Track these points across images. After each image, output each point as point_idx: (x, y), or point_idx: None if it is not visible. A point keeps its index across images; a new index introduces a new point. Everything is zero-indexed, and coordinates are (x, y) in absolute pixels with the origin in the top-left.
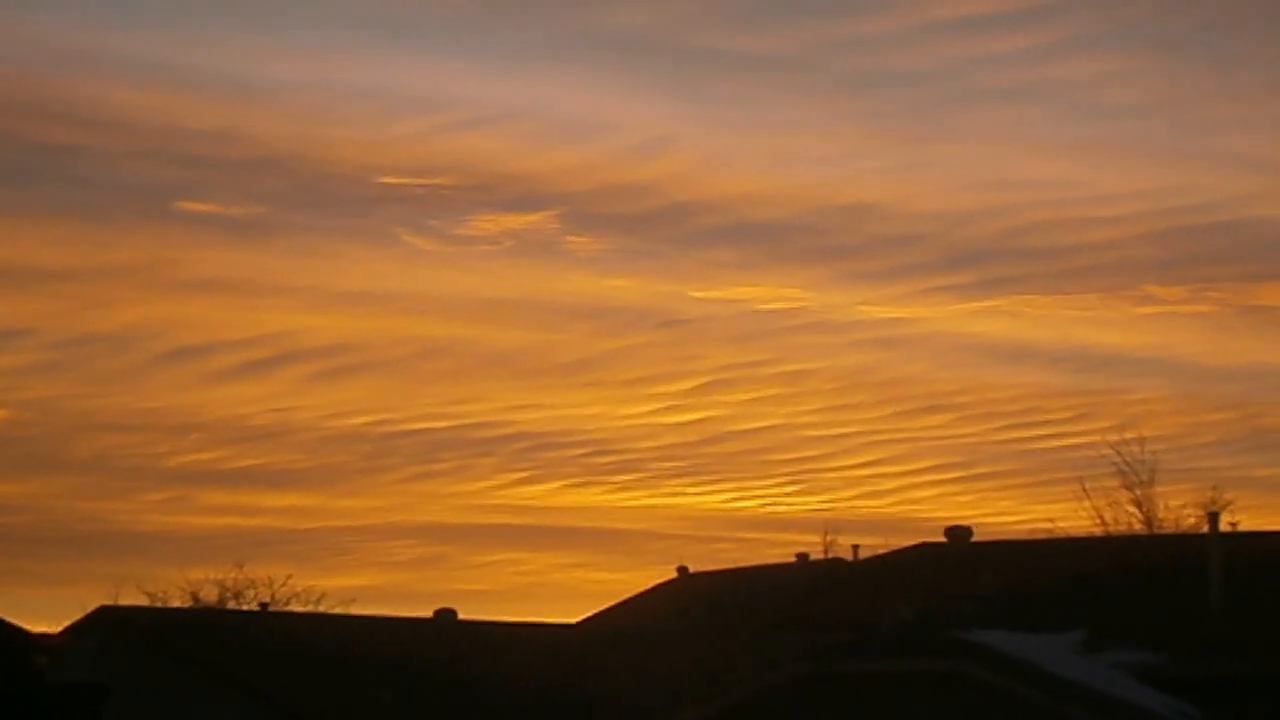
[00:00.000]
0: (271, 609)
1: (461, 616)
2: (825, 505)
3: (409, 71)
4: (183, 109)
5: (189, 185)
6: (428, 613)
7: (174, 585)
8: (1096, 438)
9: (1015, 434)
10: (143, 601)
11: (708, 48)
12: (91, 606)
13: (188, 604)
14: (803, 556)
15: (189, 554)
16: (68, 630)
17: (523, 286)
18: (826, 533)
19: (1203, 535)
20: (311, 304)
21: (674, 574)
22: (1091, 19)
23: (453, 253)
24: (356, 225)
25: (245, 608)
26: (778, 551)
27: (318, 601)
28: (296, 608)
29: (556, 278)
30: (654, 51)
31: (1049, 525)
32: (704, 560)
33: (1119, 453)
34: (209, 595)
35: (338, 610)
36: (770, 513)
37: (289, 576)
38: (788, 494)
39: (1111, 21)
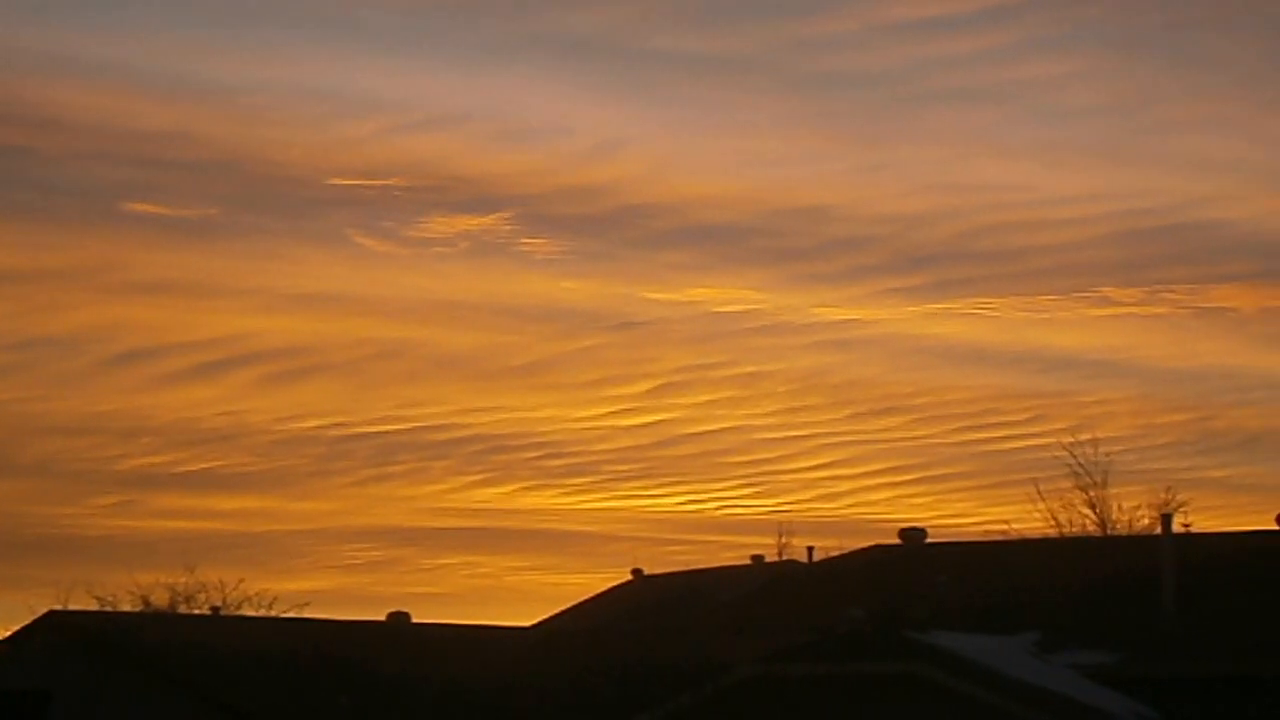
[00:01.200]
0: (223, 613)
1: (415, 620)
2: (781, 507)
3: (361, 72)
4: (132, 110)
5: (138, 186)
6: (381, 616)
7: (124, 589)
8: (1052, 439)
9: (971, 436)
10: (92, 606)
11: (663, 49)
12: (40, 611)
13: (138, 608)
14: (757, 559)
15: (139, 558)
16: (14, 635)
17: (477, 288)
18: (781, 535)
19: (1156, 537)
20: (263, 306)
21: (628, 577)
22: (1048, 21)
23: (406, 254)
24: (308, 227)
25: (197, 612)
26: (733, 554)
27: (270, 605)
28: (249, 611)
29: (511, 280)
30: (609, 53)
31: (1004, 527)
32: (659, 563)
33: (1073, 454)
34: (160, 599)
35: (291, 614)
36: (725, 515)
37: (241, 580)
38: (743, 496)
39: (1068, 24)
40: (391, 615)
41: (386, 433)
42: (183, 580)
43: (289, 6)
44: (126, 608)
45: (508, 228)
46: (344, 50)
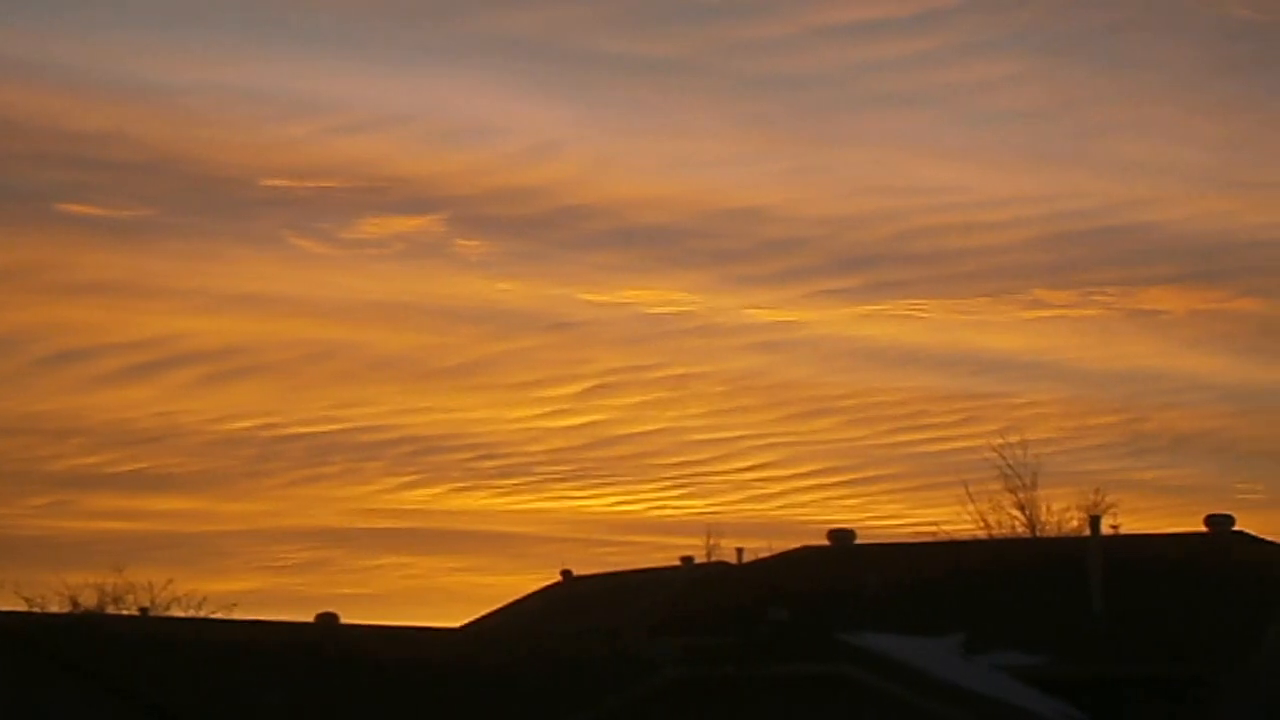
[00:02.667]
0: (152, 614)
1: (344, 620)
2: (712, 508)
3: (297, 74)
4: (67, 111)
5: (73, 187)
6: (310, 617)
7: (52, 590)
8: (982, 441)
9: (902, 437)
10: (20, 607)
11: (599, 51)
12: None
13: (66, 609)
14: (687, 560)
15: (70, 559)
16: None
17: (411, 289)
18: (709, 536)
19: (1085, 538)
20: (197, 307)
21: (558, 578)
22: (982, 24)
23: (340, 255)
24: (243, 228)
25: (125, 613)
26: (663, 555)
27: (199, 606)
28: (177, 612)
29: (445, 281)
30: (545, 55)
31: (933, 528)
32: (589, 564)
33: (1003, 456)
34: (88, 600)
35: (219, 615)
36: (656, 516)
37: (170, 581)
38: (674, 497)
39: (1001, 27)
40: (320, 616)
41: (319, 433)
42: (111, 581)
43: (225, 8)
44: (55, 609)
45: (442, 229)
46: (280, 52)
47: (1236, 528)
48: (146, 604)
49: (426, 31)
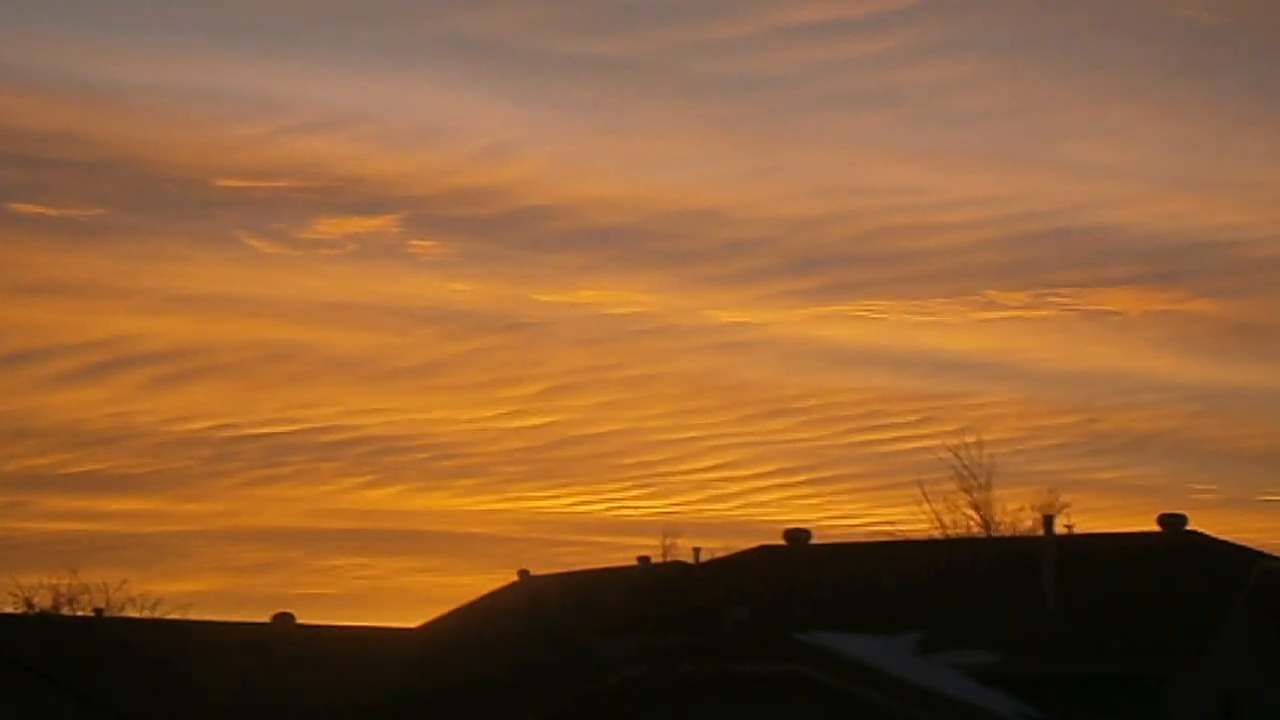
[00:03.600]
0: (107, 615)
1: (301, 621)
2: (670, 509)
3: (251, 73)
4: (19, 110)
5: (25, 187)
6: (266, 618)
7: (6, 592)
8: (939, 441)
9: (859, 438)
10: None
11: (556, 52)
12: None
13: (20, 610)
14: (644, 559)
15: (24, 560)
16: None
17: (366, 290)
18: (666, 536)
19: (1039, 538)
20: (151, 307)
21: (515, 578)
22: (939, 26)
23: (295, 256)
24: (197, 228)
25: (80, 614)
26: (621, 555)
27: (154, 607)
28: (132, 613)
29: (401, 281)
30: (502, 55)
31: (889, 528)
32: (547, 564)
33: (958, 456)
34: (43, 601)
35: (174, 615)
36: (614, 516)
37: (124, 582)
38: (633, 497)
39: (958, 29)
40: (276, 617)
41: (275, 434)
42: (66, 582)
43: (179, 7)
44: (9, 610)
45: (398, 229)
46: (235, 52)
47: (1190, 527)
48: (101, 605)
49: (383, 32)
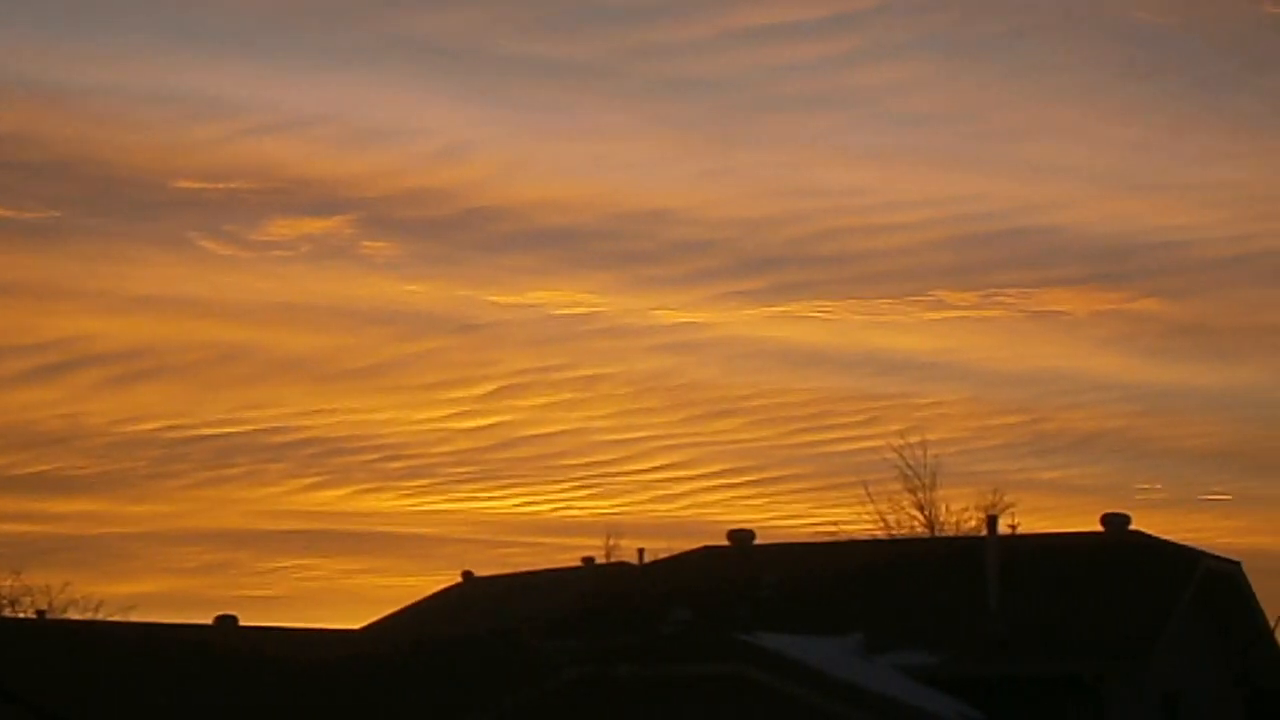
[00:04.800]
0: (49, 616)
1: (245, 623)
2: (617, 509)
3: (206, 75)
4: None
5: None
6: (210, 619)
7: None
8: (886, 441)
9: (806, 438)
10: None
11: (508, 54)
12: None
13: None
14: (588, 560)
15: None
16: None
17: (318, 291)
18: (609, 536)
19: (982, 537)
20: (104, 308)
21: (459, 579)
22: (889, 28)
23: (248, 257)
24: (151, 229)
25: (22, 615)
26: (567, 556)
27: (96, 609)
28: (75, 615)
29: (352, 282)
30: (455, 56)
31: (834, 528)
32: (493, 565)
33: (902, 456)
34: None
35: (116, 618)
36: (561, 517)
37: (67, 584)
38: (579, 498)
39: (909, 31)
40: (219, 619)
41: (224, 435)
42: (9, 584)
43: (133, 8)
44: None
45: (350, 231)
46: (189, 53)
47: (1134, 527)
48: (44, 607)
49: (335, 33)
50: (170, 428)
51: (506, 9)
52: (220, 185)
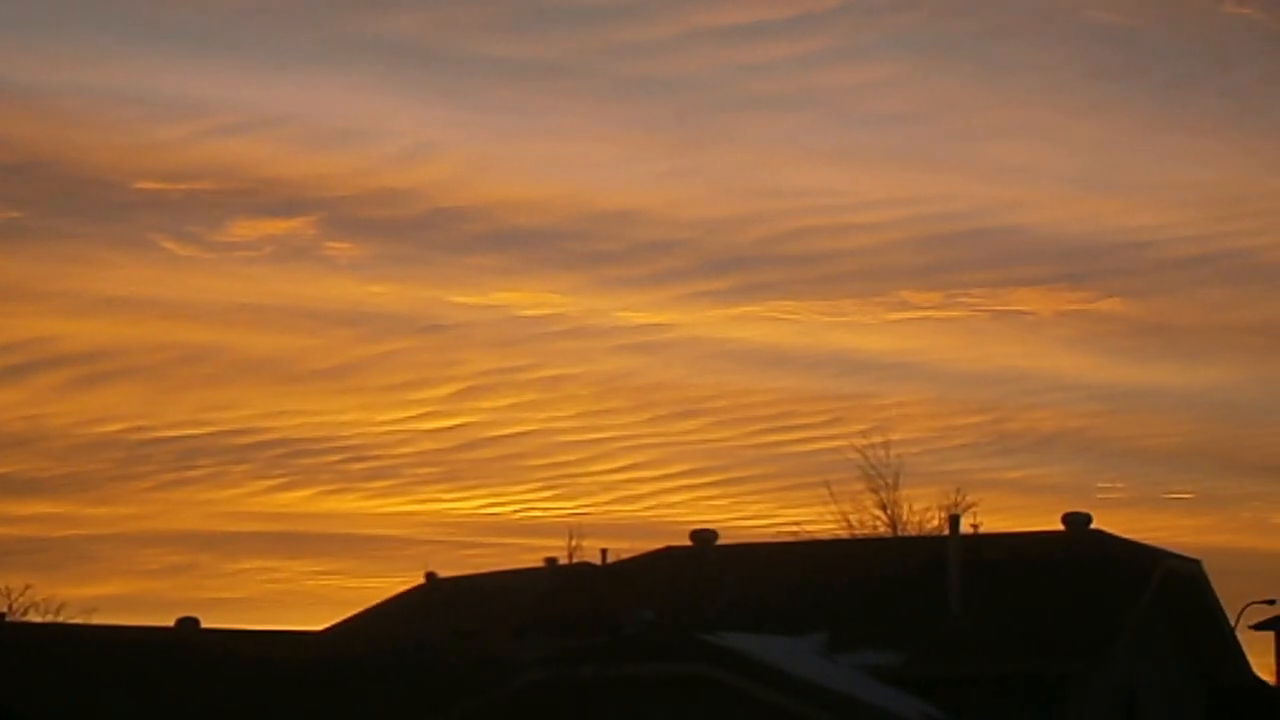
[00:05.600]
0: (9, 619)
1: (207, 625)
2: (581, 510)
3: (168, 76)
4: None
5: None
6: (172, 622)
7: None
8: (849, 441)
9: (769, 438)
10: None
11: (473, 54)
12: None
13: None
14: (551, 561)
15: None
16: None
17: (281, 292)
18: (572, 537)
19: (944, 537)
20: (67, 310)
21: (423, 580)
22: (856, 29)
23: (211, 258)
24: (114, 230)
25: None
26: (531, 556)
27: (57, 611)
28: (35, 618)
29: (316, 283)
30: (420, 57)
31: (796, 528)
32: (456, 566)
33: (865, 456)
34: None
35: (78, 620)
36: (525, 518)
37: (27, 586)
38: (543, 499)
39: (875, 31)
40: (180, 621)
41: (188, 436)
42: None
43: (95, 9)
44: None
45: (314, 231)
46: (151, 54)
47: (1095, 526)
48: (3, 610)
49: (299, 33)
50: (133, 429)
51: (471, 9)
52: (182, 186)
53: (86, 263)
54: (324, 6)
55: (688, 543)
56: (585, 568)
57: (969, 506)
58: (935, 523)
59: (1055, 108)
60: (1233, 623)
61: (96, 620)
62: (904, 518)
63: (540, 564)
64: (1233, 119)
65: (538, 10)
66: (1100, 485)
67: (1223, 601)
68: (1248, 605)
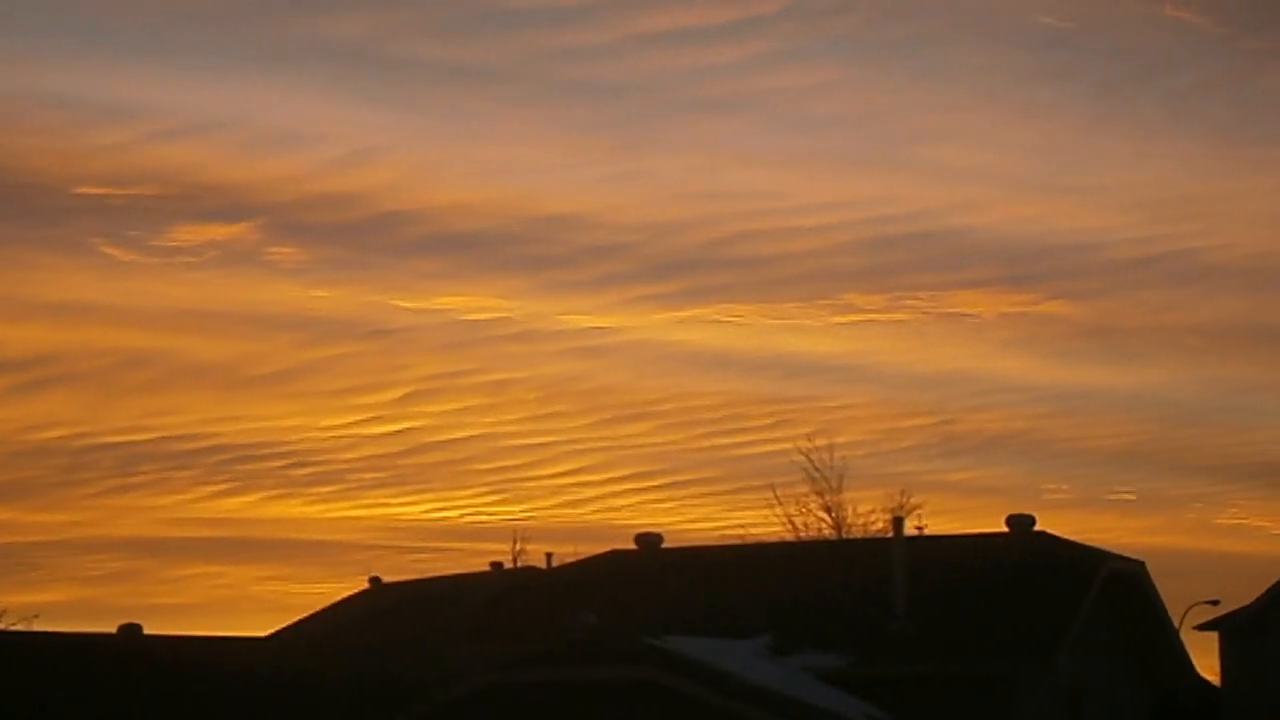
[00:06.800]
0: None
1: (150, 631)
2: (527, 514)
3: (109, 80)
4: None
5: None
6: (115, 628)
7: None
8: (794, 444)
9: (715, 441)
10: None
11: (417, 58)
12: None
13: None
14: (496, 565)
15: None
16: None
17: (225, 297)
18: (516, 541)
19: (889, 539)
20: (6, 315)
21: (366, 585)
22: (798, 32)
23: (153, 264)
24: (55, 236)
25: None
26: (476, 561)
27: None
28: None
29: (259, 288)
30: (362, 61)
31: (742, 531)
32: (401, 571)
33: (809, 459)
34: None
35: (19, 627)
36: (471, 522)
37: None
38: (489, 503)
39: (817, 35)
40: (122, 627)
41: (131, 442)
42: None
43: (34, 12)
44: None
45: (256, 236)
46: (92, 58)
47: (1040, 528)
48: None
49: (241, 37)
50: (75, 435)
51: (412, 13)
52: (123, 191)
53: (27, 268)
54: (265, 11)
55: (633, 546)
56: (531, 572)
57: (914, 509)
58: (880, 525)
59: (997, 111)
60: (1177, 623)
61: (39, 627)
62: (849, 520)
63: (486, 568)
64: (1173, 122)
65: (480, 14)
66: (1046, 487)
67: (1167, 602)
68: (1192, 606)
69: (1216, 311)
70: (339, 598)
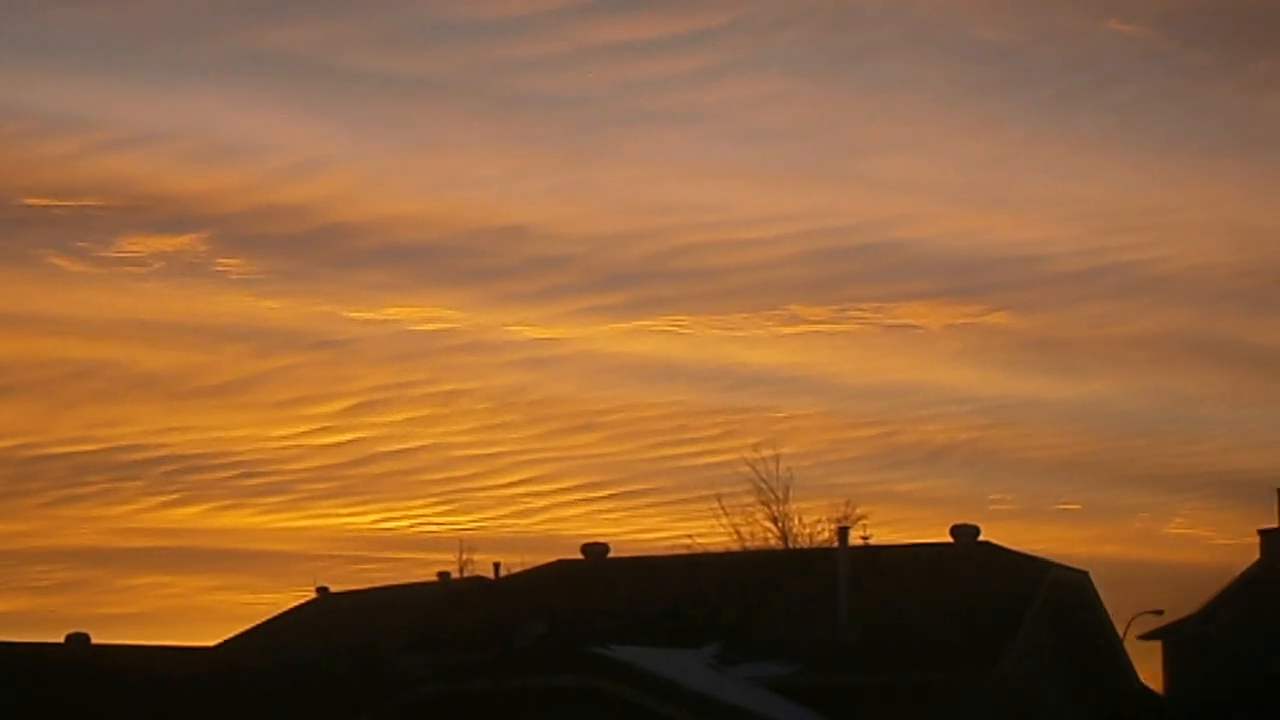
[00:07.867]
0: None
1: (97, 641)
2: (475, 524)
3: (57, 91)
4: None
5: None
6: (59, 638)
7: None
8: (741, 455)
9: (663, 451)
10: None
11: (365, 69)
12: None
13: None
14: (444, 575)
15: None
16: None
17: (173, 308)
18: (462, 551)
19: (834, 549)
20: None
21: (314, 595)
22: (745, 45)
23: (101, 274)
24: (1, 247)
25: None
26: (424, 571)
27: None
28: None
29: (207, 299)
30: (311, 72)
31: (688, 541)
32: (349, 581)
33: (755, 469)
34: None
35: None
36: (419, 533)
37: None
38: (437, 514)
39: (764, 47)
40: (69, 637)
41: (79, 453)
42: None
43: None
44: None
45: (205, 247)
46: (39, 68)
47: (985, 538)
48: None
49: (189, 48)
50: (23, 446)
51: (360, 24)
52: (71, 202)
53: None
54: (213, 21)
55: (579, 556)
56: (478, 582)
57: (859, 519)
58: (826, 535)
59: (943, 123)
60: (1121, 633)
61: None
62: (795, 530)
63: (433, 579)
64: (1117, 134)
65: (427, 25)
66: (990, 497)
67: (1111, 612)
68: (1136, 615)
69: (1162, 323)
70: (287, 607)
